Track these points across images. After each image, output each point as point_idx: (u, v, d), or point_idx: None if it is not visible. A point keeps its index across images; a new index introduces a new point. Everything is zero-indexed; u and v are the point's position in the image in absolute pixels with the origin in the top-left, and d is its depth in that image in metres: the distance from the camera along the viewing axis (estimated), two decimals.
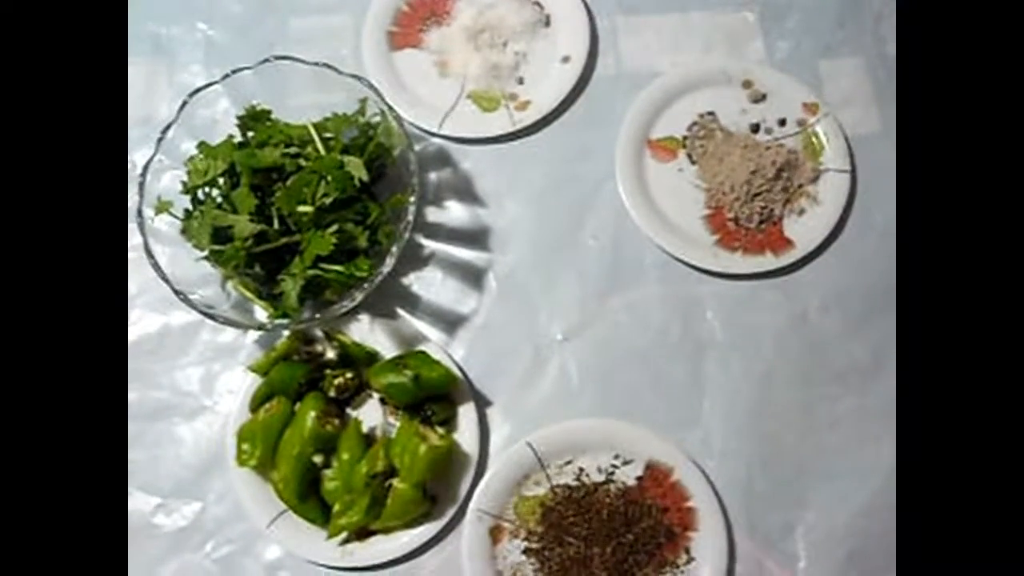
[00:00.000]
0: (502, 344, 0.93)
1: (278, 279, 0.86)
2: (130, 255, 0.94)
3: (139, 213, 0.86)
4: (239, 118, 0.90)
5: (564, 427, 0.88)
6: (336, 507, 0.83)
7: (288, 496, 0.84)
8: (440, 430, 0.86)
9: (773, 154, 0.97)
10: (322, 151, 0.87)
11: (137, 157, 0.97)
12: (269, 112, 0.91)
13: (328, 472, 0.86)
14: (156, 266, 0.84)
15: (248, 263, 0.86)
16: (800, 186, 0.98)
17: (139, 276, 0.93)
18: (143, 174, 0.87)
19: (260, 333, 0.93)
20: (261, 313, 0.89)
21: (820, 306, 0.94)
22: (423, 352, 0.88)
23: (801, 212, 0.98)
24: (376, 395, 0.90)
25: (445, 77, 1.04)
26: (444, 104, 1.02)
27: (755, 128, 1.01)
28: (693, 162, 1.00)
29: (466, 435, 0.87)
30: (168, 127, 0.89)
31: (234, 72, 0.90)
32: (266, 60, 0.91)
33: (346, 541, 0.85)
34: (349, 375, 0.88)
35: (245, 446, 0.85)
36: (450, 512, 0.85)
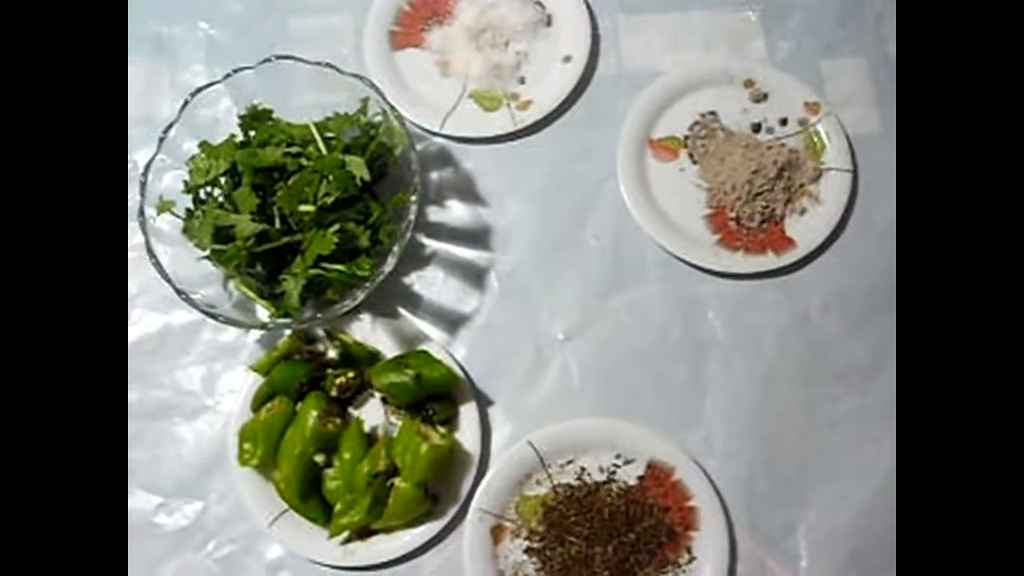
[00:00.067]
0: (504, 343, 0.93)
1: (280, 278, 0.86)
2: (132, 255, 0.94)
3: (141, 212, 0.86)
4: (241, 117, 0.90)
5: (566, 426, 0.88)
6: (338, 506, 0.83)
7: (289, 495, 0.84)
8: (442, 429, 0.86)
9: (774, 154, 0.97)
10: (324, 150, 0.87)
11: (139, 157, 0.97)
12: (271, 112, 0.91)
13: (330, 471, 0.86)
14: (158, 265, 0.84)
15: (250, 262, 0.86)
16: (801, 186, 0.98)
17: (141, 275, 0.93)
18: (145, 174, 0.87)
19: (262, 332, 0.93)
20: (263, 312, 0.89)
21: (821, 306, 0.94)
22: (425, 351, 0.89)
23: (802, 212, 0.98)
24: (378, 394, 0.90)
25: (447, 77, 1.04)
26: (446, 104, 1.02)
27: (756, 128, 1.01)
28: (694, 162, 1.00)
29: (468, 434, 0.87)
30: (170, 127, 0.89)
31: (236, 72, 0.90)
32: (268, 60, 0.91)
33: (348, 540, 0.85)
34: (351, 374, 0.88)
35: (247, 445, 0.85)
36: (451, 511, 0.85)
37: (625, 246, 0.97)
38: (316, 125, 0.89)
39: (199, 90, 0.90)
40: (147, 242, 0.84)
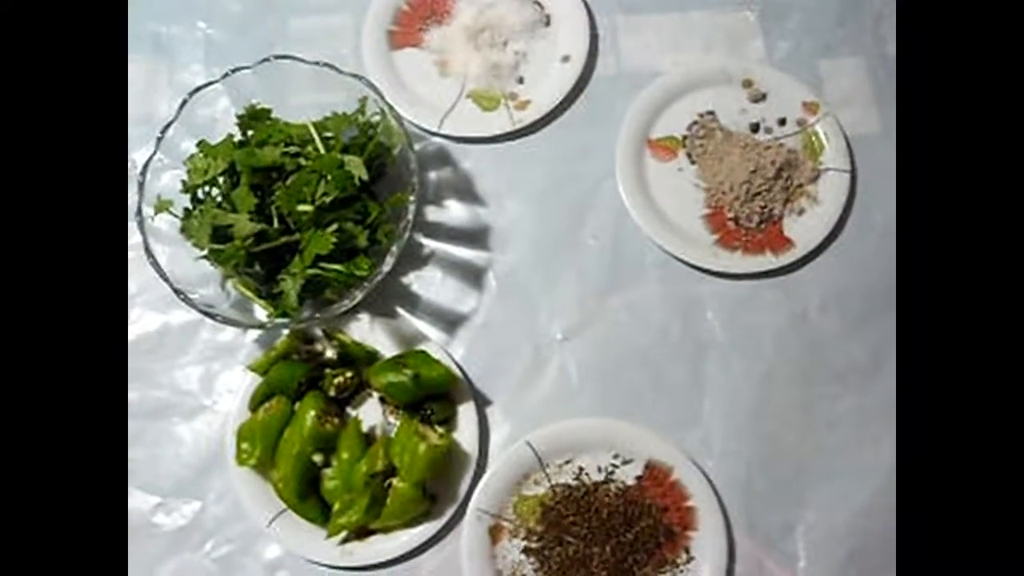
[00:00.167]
0: (502, 343, 0.93)
1: (278, 278, 0.86)
2: (130, 254, 0.94)
3: (139, 212, 0.86)
4: (239, 117, 0.90)
5: (564, 426, 0.88)
6: (336, 506, 0.83)
7: (288, 495, 0.84)
8: (440, 429, 0.86)
9: (773, 154, 0.97)
10: (322, 150, 0.87)
11: (137, 156, 0.97)
12: (269, 111, 0.91)
13: (328, 471, 0.86)
14: (156, 265, 0.84)
15: (248, 262, 0.86)
16: (800, 186, 0.98)
17: (139, 275, 0.93)
18: (143, 173, 0.87)
19: (260, 332, 0.93)
20: (261, 312, 0.89)
21: (820, 306, 0.94)
22: (423, 351, 0.88)
23: (801, 212, 0.98)
24: (376, 394, 0.90)
25: (445, 76, 1.04)
26: (444, 103, 1.02)
27: (755, 127, 1.01)
28: (693, 162, 1.00)
29: (466, 434, 0.87)
30: (168, 126, 0.89)
31: (234, 71, 0.90)
32: (266, 59, 0.91)
33: (346, 540, 0.85)
34: (349, 374, 0.88)
35: (245, 445, 0.85)
36: (450, 511, 0.85)
37: (624, 246, 0.97)
38: (314, 125, 0.89)
39: (197, 89, 0.90)
40: (145, 242, 0.84)
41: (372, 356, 0.90)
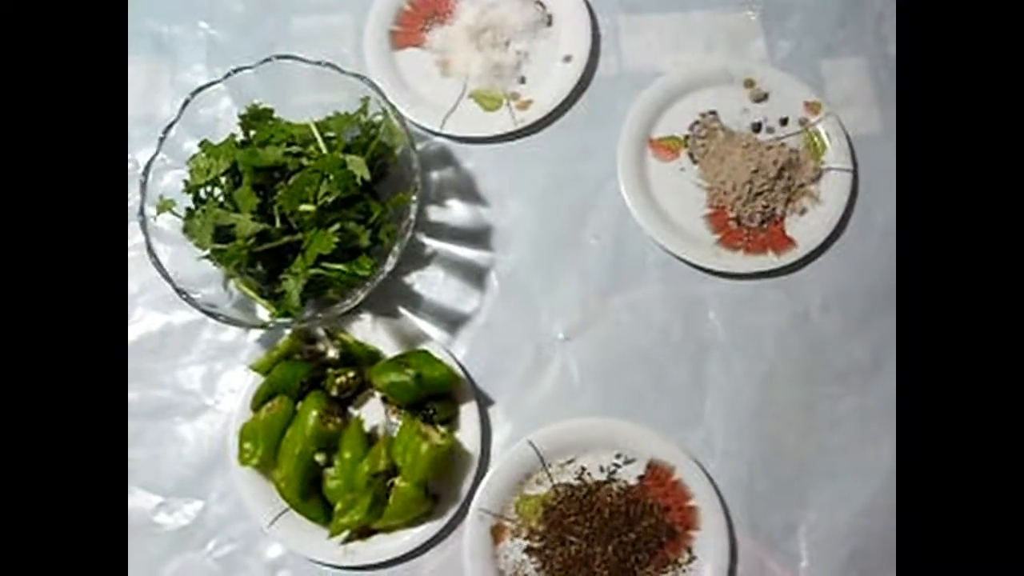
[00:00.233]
0: (504, 343, 0.93)
1: (280, 278, 0.86)
2: (132, 254, 0.94)
3: (141, 212, 0.86)
4: (241, 117, 0.90)
5: (566, 426, 0.88)
6: (338, 506, 0.83)
7: (290, 495, 0.84)
8: (442, 429, 0.86)
9: (775, 153, 0.97)
10: (324, 150, 0.87)
11: (139, 156, 0.97)
12: (271, 111, 0.91)
13: (330, 471, 0.86)
14: (158, 265, 0.84)
15: (250, 262, 0.86)
16: (802, 185, 0.98)
17: (141, 275, 0.93)
18: (145, 173, 0.87)
19: (262, 332, 0.93)
20: (263, 312, 0.89)
21: (822, 305, 0.94)
22: (425, 351, 0.88)
23: (803, 211, 0.98)
24: (378, 394, 0.90)
25: (447, 76, 1.04)
26: (446, 103, 1.02)
27: (757, 127, 1.01)
28: (695, 161, 1.00)
29: (468, 434, 0.87)
30: (170, 126, 0.89)
31: (236, 71, 0.90)
32: (268, 59, 0.91)
33: (348, 540, 0.85)
34: (351, 374, 0.88)
35: (247, 445, 0.85)
36: (452, 511, 0.85)
37: (625, 246, 0.97)
38: (316, 124, 0.89)
39: (200, 89, 0.90)
40: (147, 241, 0.84)
41: (374, 356, 0.90)
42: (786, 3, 1.08)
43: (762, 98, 1.03)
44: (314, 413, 0.85)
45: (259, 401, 0.87)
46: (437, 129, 1.00)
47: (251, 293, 0.88)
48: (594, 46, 1.05)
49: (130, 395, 0.91)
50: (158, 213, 0.86)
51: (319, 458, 0.85)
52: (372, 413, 0.90)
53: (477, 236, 0.98)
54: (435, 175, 1.00)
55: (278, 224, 0.86)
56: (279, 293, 0.86)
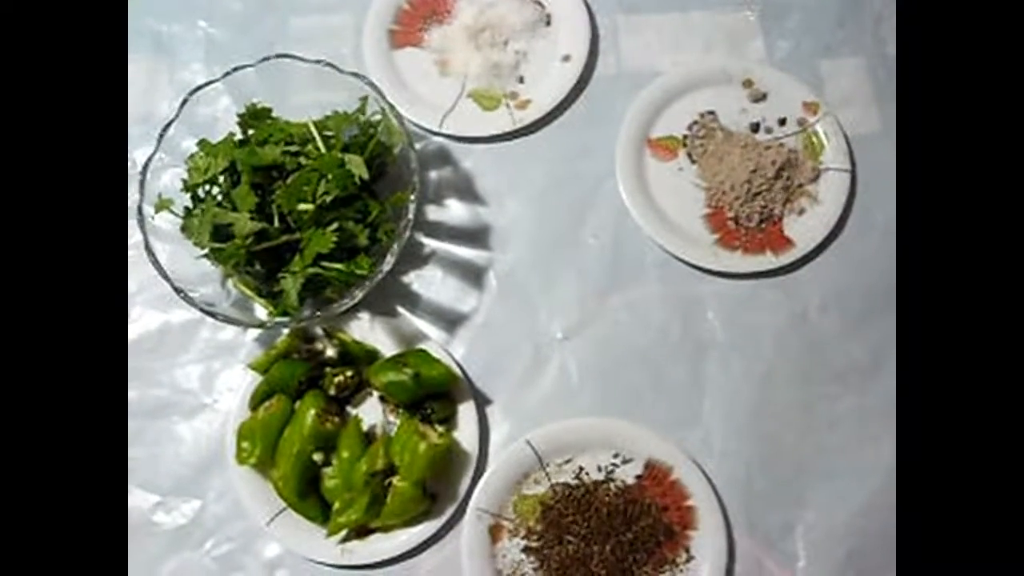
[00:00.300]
0: (502, 343, 0.93)
1: (278, 277, 0.86)
2: (130, 253, 0.94)
3: (139, 211, 0.86)
4: (240, 116, 0.90)
5: (564, 426, 0.88)
6: (336, 505, 0.83)
7: (288, 494, 0.84)
8: (440, 428, 0.86)
9: (773, 153, 0.97)
10: (323, 149, 0.87)
11: (138, 155, 0.97)
12: (270, 110, 0.91)
13: (328, 470, 0.86)
14: (156, 264, 0.84)
15: (248, 261, 0.86)
16: (800, 185, 0.98)
17: (139, 274, 0.93)
18: (143, 172, 0.87)
19: (260, 331, 0.93)
20: (261, 311, 0.89)
21: (820, 305, 0.95)
22: (423, 350, 0.88)
23: (801, 211, 0.98)
24: (376, 393, 0.90)
25: (446, 76, 1.04)
26: (445, 103, 1.02)
27: (755, 127, 1.01)
28: (693, 161, 1.00)
29: (466, 433, 0.87)
30: (169, 125, 0.89)
31: (235, 70, 0.90)
32: (267, 58, 0.91)
33: (346, 539, 0.85)
34: (349, 373, 0.88)
35: (245, 444, 0.85)
36: (450, 510, 0.85)
37: (624, 245, 0.97)
38: (315, 124, 0.89)
39: (198, 88, 0.90)
40: (145, 240, 0.84)
41: (372, 355, 0.90)
42: (785, 3, 1.08)
43: (761, 98, 1.03)
44: (312, 412, 0.85)
45: (257, 400, 0.87)
46: (436, 128, 1.00)
47: (249, 292, 0.88)
48: (593, 46, 1.05)
49: (129, 394, 0.91)
50: (156, 212, 0.86)
51: (317, 457, 0.85)
52: (370, 412, 0.90)
53: (475, 235, 0.98)
54: (434, 174, 1.00)
55: (276, 223, 0.86)
56: (277, 292, 0.86)
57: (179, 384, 0.92)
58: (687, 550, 0.85)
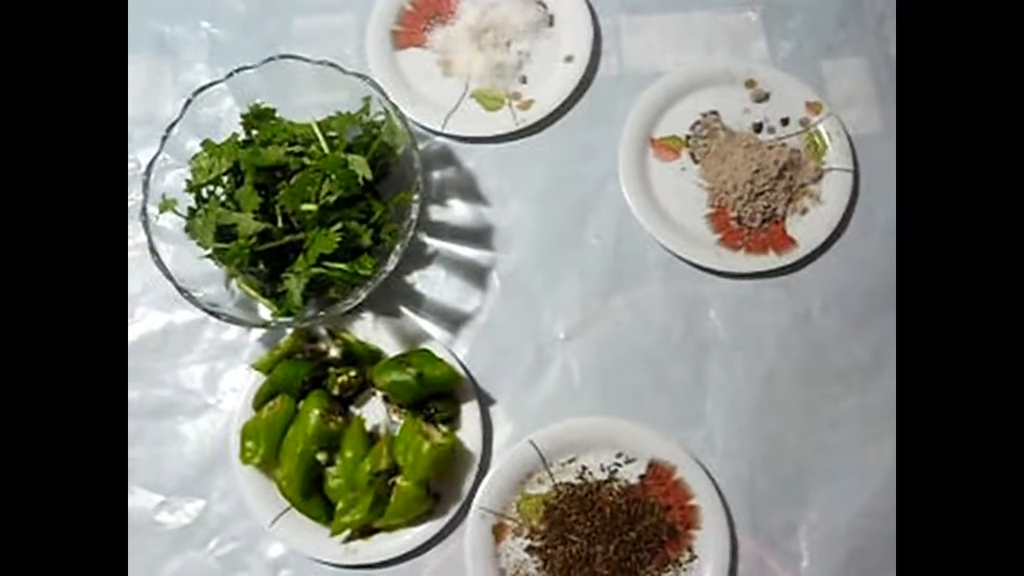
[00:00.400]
0: (505, 343, 0.93)
1: (282, 277, 0.86)
2: (134, 253, 0.94)
3: (143, 211, 0.86)
4: (243, 116, 0.91)
5: (567, 425, 0.88)
6: (339, 505, 0.84)
7: (291, 494, 0.84)
8: (443, 428, 0.86)
9: (776, 153, 0.97)
10: (326, 149, 0.87)
11: (141, 155, 0.97)
12: (273, 111, 0.91)
13: (331, 470, 0.86)
14: (160, 264, 0.84)
15: (252, 261, 0.86)
16: (803, 185, 0.98)
17: (143, 274, 0.93)
18: (147, 172, 0.87)
19: (264, 331, 0.94)
20: (265, 311, 0.89)
21: (822, 305, 0.95)
22: (426, 350, 0.89)
23: (804, 211, 0.98)
24: (379, 393, 0.90)
25: (449, 76, 1.05)
26: (448, 103, 1.02)
27: (758, 127, 1.01)
28: (696, 161, 1.00)
29: (469, 433, 0.88)
30: (172, 125, 0.89)
31: (238, 71, 0.91)
32: (270, 59, 0.91)
33: (349, 539, 0.85)
34: (353, 373, 0.88)
35: (249, 444, 0.85)
36: (453, 510, 0.85)
37: (626, 245, 0.97)
38: (318, 124, 0.89)
39: (202, 89, 0.90)
40: (149, 241, 0.84)
41: (376, 355, 0.90)
42: (787, 4, 1.08)
43: (763, 98, 1.03)
44: (316, 412, 0.85)
45: (261, 400, 0.88)
46: (439, 129, 1.00)
47: (253, 292, 0.88)
48: (595, 46, 1.05)
49: (132, 394, 0.91)
50: (160, 212, 0.86)
51: (321, 457, 0.85)
52: (374, 412, 0.90)
53: (479, 236, 0.98)
54: (437, 175, 1.00)
55: (280, 223, 0.86)
56: (281, 292, 0.86)
57: (183, 384, 0.92)
58: (690, 550, 0.85)
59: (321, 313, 0.87)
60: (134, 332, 0.94)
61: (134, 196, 0.89)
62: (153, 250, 0.84)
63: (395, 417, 0.90)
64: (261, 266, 0.88)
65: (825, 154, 1.00)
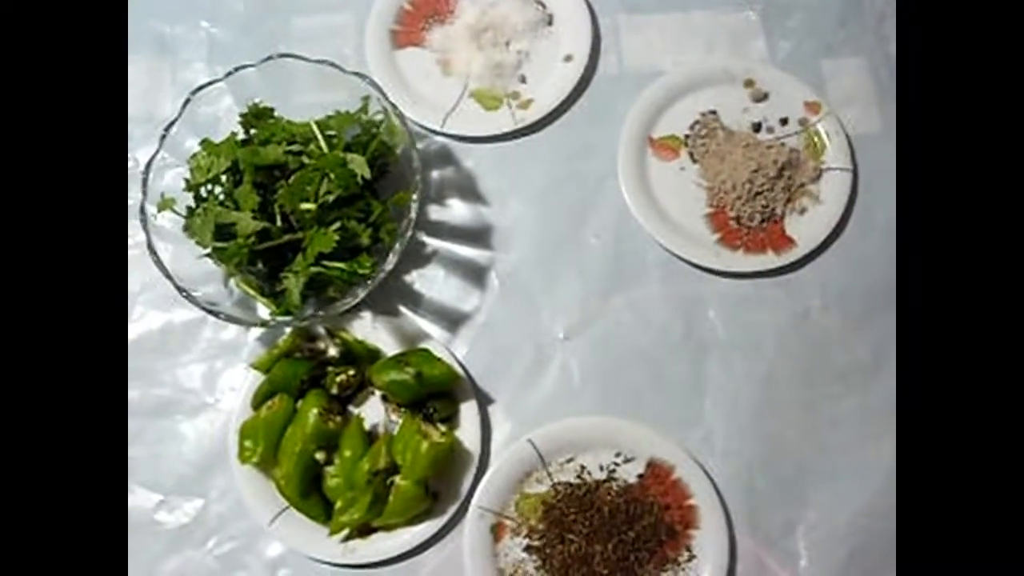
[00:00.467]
0: (504, 342, 0.93)
1: (280, 276, 0.86)
2: (133, 252, 0.94)
3: (142, 210, 0.86)
4: (242, 116, 0.91)
5: (565, 425, 0.88)
6: (338, 504, 0.84)
7: (290, 493, 0.84)
8: (442, 427, 0.86)
9: (775, 153, 0.97)
10: (325, 149, 0.87)
11: (140, 154, 0.97)
12: (272, 110, 0.91)
13: (330, 469, 0.86)
14: (159, 263, 0.84)
15: (251, 260, 0.86)
16: (802, 185, 0.98)
17: (142, 273, 0.93)
18: (146, 171, 0.87)
19: (262, 330, 0.94)
20: (263, 310, 0.89)
21: (821, 305, 0.95)
22: (425, 350, 0.89)
23: (802, 211, 0.98)
24: (378, 392, 0.90)
25: (448, 75, 1.05)
26: (447, 102, 1.02)
27: (757, 127, 1.01)
28: (695, 161, 1.00)
29: (468, 432, 0.88)
30: (171, 124, 0.89)
31: (237, 70, 0.91)
32: (269, 58, 0.91)
33: (348, 538, 0.85)
34: (351, 372, 0.88)
35: (247, 443, 0.85)
36: (452, 509, 0.85)
37: (625, 245, 0.97)
38: (317, 123, 0.89)
39: (201, 88, 0.90)
40: (148, 240, 0.84)
41: (374, 354, 0.90)
42: (786, 3, 1.08)
43: (762, 98, 1.03)
44: (314, 411, 0.85)
45: (259, 399, 0.88)
46: (438, 128, 1.00)
47: (252, 291, 0.88)
48: (595, 46, 1.05)
49: (131, 393, 0.91)
50: (159, 211, 0.86)
51: (319, 456, 0.85)
52: (372, 411, 0.90)
53: (477, 235, 0.98)
54: (436, 174, 1.00)
55: (279, 222, 0.86)
56: (280, 291, 0.86)
57: (181, 383, 0.92)
58: (689, 549, 0.85)
59: (320, 312, 0.87)
60: (133, 331, 0.94)
61: (133, 195, 0.89)
62: (152, 249, 0.84)
63: (394, 416, 0.89)
64: (260, 265, 0.88)
65: (824, 154, 1.00)
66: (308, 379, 0.88)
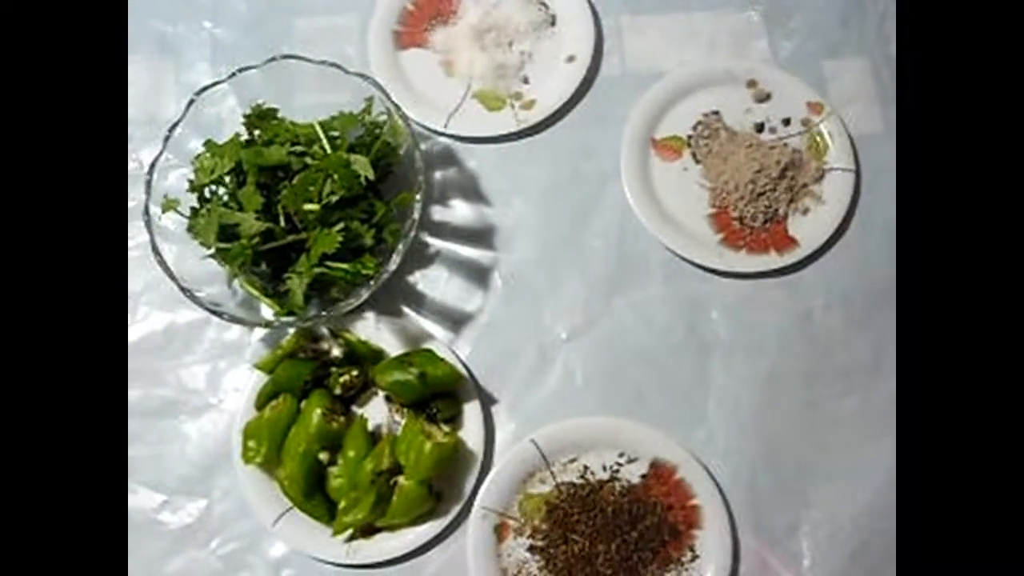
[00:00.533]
0: (507, 342, 0.93)
1: (284, 277, 0.86)
2: (136, 253, 0.94)
3: (146, 211, 0.86)
4: (246, 117, 0.91)
5: (569, 425, 0.89)
6: (341, 504, 0.84)
7: (294, 493, 0.84)
8: (445, 427, 0.86)
9: (777, 153, 0.97)
10: (328, 149, 0.87)
11: (144, 155, 0.97)
12: (275, 111, 0.91)
13: (334, 469, 0.86)
14: (163, 264, 0.84)
15: (254, 261, 0.86)
16: (804, 185, 0.98)
17: (145, 274, 0.93)
18: (150, 172, 0.87)
19: (266, 331, 0.94)
20: (267, 311, 0.89)
21: (824, 305, 0.95)
22: (429, 350, 0.89)
23: (805, 211, 0.98)
24: (382, 393, 0.90)
25: (451, 76, 1.05)
26: (450, 103, 1.02)
27: (759, 127, 1.02)
28: (698, 161, 1.00)
29: (471, 433, 0.88)
30: (175, 125, 0.89)
31: (240, 71, 0.91)
32: (272, 59, 0.91)
33: (351, 538, 0.85)
34: (355, 373, 0.89)
35: (251, 443, 0.85)
36: (455, 509, 0.85)
37: (628, 245, 0.97)
38: (321, 124, 0.89)
39: (204, 89, 0.90)
40: (152, 240, 0.84)
41: (378, 355, 0.90)
42: (789, 4, 1.08)
43: (765, 98, 1.03)
44: (318, 412, 0.85)
45: (263, 400, 0.88)
46: (441, 129, 1.00)
47: (255, 292, 0.88)
48: (597, 46, 1.05)
49: (134, 394, 0.91)
50: (163, 212, 0.86)
51: (323, 457, 0.85)
52: (376, 412, 0.90)
53: (480, 236, 0.98)
54: (439, 175, 1.01)
55: (282, 223, 0.86)
56: (283, 292, 0.87)
57: (185, 384, 0.93)
58: (692, 549, 0.85)
59: (323, 313, 0.87)
60: (137, 332, 0.94)
61: (136, 196, 0.89)
62: (156, 250, 0.84)
63: (397, 417, 0.90)
64: (263, 266, 0.88)
65: (826, 154, 1.00)
66: (312, 379, 0.88)
